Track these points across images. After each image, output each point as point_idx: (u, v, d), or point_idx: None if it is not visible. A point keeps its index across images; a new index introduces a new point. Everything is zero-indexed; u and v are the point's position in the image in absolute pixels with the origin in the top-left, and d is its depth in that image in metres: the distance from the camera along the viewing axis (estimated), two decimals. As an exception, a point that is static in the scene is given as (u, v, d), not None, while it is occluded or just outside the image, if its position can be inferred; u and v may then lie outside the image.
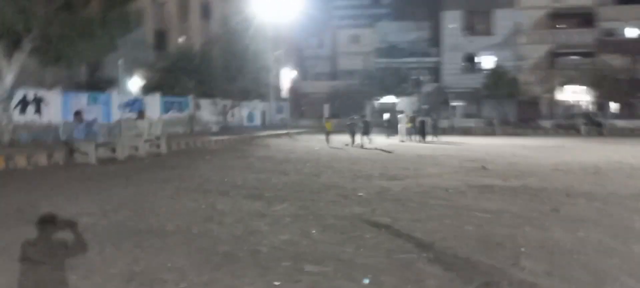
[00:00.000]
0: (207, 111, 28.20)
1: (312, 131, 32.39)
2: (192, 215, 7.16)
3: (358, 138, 22.04)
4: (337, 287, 4.35)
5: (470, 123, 37.77)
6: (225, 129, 28.52)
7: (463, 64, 42.88)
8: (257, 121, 34.62)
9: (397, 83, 40.59)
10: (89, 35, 14.22)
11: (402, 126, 26.87)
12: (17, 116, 15.83)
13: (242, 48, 27.90)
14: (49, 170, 11.95)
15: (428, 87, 42.58)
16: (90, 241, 5.64)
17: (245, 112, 32.58)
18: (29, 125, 16.38)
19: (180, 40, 32.10)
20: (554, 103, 40.46)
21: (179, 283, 4.36)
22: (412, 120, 27.42)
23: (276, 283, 4.40)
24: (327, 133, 22.66)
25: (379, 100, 42.50)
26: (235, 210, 7.58)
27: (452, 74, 42.52)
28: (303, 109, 46.37)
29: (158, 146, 16.07)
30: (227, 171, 12.36)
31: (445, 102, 41.41)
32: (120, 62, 23.61)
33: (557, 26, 41.54)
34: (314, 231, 6.29)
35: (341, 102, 41.09)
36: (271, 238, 5.95)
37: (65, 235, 5.83)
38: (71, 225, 6.11)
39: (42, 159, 12.69)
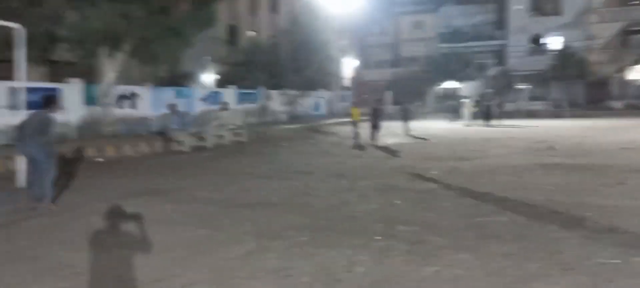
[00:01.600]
0: (276, 101, 29.64)
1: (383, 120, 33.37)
2: (289, 191, 8.32)
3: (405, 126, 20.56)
4: (427, 240, 5.32)
5: (537, 106, 37.25)
6: (293, 118, 29.87)
7: (529, 45, 42.15)
8: (323, 110, 35.79)
9: (461, 68, 40.55)
10: (179, 34, 15.80)
11: (467, 111, 27.23)
12: (115, 110, 17.69)
13: (309, 39, 29.13)
14: (151, 157, 13.54)
15: (493, 71, 42.23)
16: (215, 209, 6.90)
17: (311, 101, 33.82)
18: (126, 118, 18.23)
19: (250, 34, 33.73)
20: (625, 83, 39.09)
21: (298, 238, 5.48)
22: (476, 104, 27.68)
23: (377, 237, 5.43)
24: (354, 124, 17.25)
25: (441, 85, 42.61)
26: (325, 186, 8.67)
27: (517, 56, 41.92)
28: (365, 96, 47.17)
29: (240, 135, 17.50)
30: (305, 156, 13.52)
31: (511, 86, 40.95)
32: (204, 58, 25.39)
33: (630, 3, 39.97)
34: (397, 201, 7.28)
35: (403, 89, 41.54)
36: (362, 207, 7.00)
37: (194, 206, 7.14)
38: (194, 198, 7.42)
39: (144, 148, 14.36)
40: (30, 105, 9.21)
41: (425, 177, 9.46)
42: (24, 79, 9.05)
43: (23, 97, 9.17)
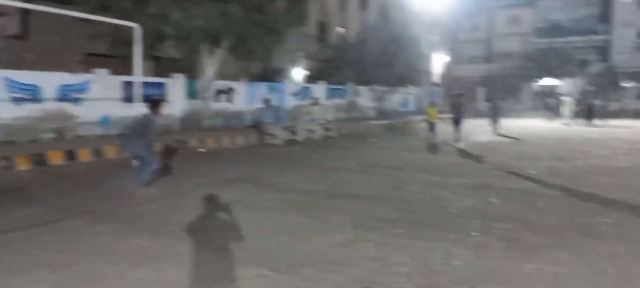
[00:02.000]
0: (364, 97, 29.81)
1: (466, 116, 32.48)
2: (381, 185, 8.47)
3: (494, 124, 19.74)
4: (526, 238, 5.27)
5: (645, 105, 34.47)
6: (381, 114, 29.90)
7: (636, 40, 39.06)
8: (411, 106, 35.47)
9: (560, 64, 38.40)
10: (273, 32, 16.43)
11: (566, 109, 25.85)
12: (213, 104, 18.73)
13: (398, 35, 29.01)
14: (248, 149, 14.22)
15: (595, 67, 39.58)
16: (312, 200, 7.21)
17: (400, 97, 33.63)
18: (222, 111, 19.23)
19: (340, 31, 34.13)
20: None
21: (395, 230, 5.63)
22: (577, 103, 26.19)
23: (474, 233, 5.45)
24: (431, 124, 16.83)
25: (538, 82, 40.61)
26: (417, 181, 8.73)
27: (623, 52, 38.99)
28: (455, 93, 46.06)
29: (329, 129, 17.87)
30: (394, 151, 13.57)
31: (615, 83, 38.18)
32: (296, 54, 26.11)
33: None
34: (493, 199, 7.20)
35: (496, 86, 40.08)
36: (457, 203, 7.00)
37: (292, 196, 7.50)
38: (291, 188, 7.78)
39: (240, 140, 15.12)
40: (144, 99, 10.12)
41: (522, 176, 9.21)
42: (140, 74, 9.85)
43: (138, 91, 9.98)
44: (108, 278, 4.14)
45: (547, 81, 39.90)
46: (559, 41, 40.13)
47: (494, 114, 20.14)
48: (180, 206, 6.77)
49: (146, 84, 14.56)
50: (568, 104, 26.07)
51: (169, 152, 12.20)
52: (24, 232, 5.46)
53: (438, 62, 43.15)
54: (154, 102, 7.91)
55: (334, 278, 4.16)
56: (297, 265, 4.47)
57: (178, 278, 4.18)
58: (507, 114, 23.15)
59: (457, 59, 46.34)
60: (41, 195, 7.47)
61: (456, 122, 16.52)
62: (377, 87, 30.01)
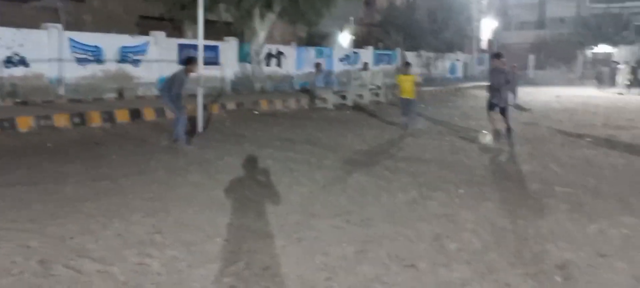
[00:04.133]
0: (412, 63, 29.58)
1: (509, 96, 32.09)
2: (438, 149, 8.64)
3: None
4: (588, 202, 5.39)
5: None
6: (428, 80, 29.62)
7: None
8: (459, 73, 34.94)
9: (617, 30, 36.81)
10: (326, -5, 16.60)
11: (621, 78, 24.98)
12: (264, 68, 19.09)
13: (447, 0, 28.51)
14: (300, 113, 14.53)
15: (655, 34, 37.75)
16: (373, 160, 7.48)
17: (447, 64, 33.17)
18: (272, 75, 19.57)
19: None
20: None
21: (457, 190, 5.85)
22: (633, 71, 25.24)
23: (535, 196, 5.61)
24: (404, 102, 11.21)
25: (592, 50, 39.13)
26: (473, 147, 8.85)
27: (687, 18, 37.01)
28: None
29: (378, 95, 17.97)
30: (445, 117, 13.62)
31: (676, 51, 36.39)
32: (344, 18, 26.09)
33: None
34: (552, 165, 7.29)
35: (547, 53, 38.91)
36: (515, 168, 7.14)
37: (352, 157, 7.80)
38: (350, 149, 8.07)
39: (292, 104, 15.45)
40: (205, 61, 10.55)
41: (579, 144, 9.19)
42: (201, 37, 10.21)
43: (195, 54, 10.33)
44: (200, 224, 4.55)
45: (601, 48, 38.40)
46: (616, 6, 38.35)
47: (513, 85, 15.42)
48: (248, 164, 7.16)
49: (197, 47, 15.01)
50: (623, 73, 25.17)
51: (227, 113, 12.67)
52: (114, 182, 5.96)
53: (486, 28, 42.08)
54: (187, 61, 8.30)
55: (405, 232, 4.44)
56: (368, 219, 4.77)
57: (260, 226, 4.54)
58: (555, 82, 22.48)
59: (506, 25, 45.06)
60: (117, 149, 8.01)
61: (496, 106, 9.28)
62: (425, 53, 29.71)
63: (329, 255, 3.87)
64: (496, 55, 9.88)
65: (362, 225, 4.60)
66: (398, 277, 3.51)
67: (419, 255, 3.91)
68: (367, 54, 25.33)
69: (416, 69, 29.79)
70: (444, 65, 32.19)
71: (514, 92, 15.06)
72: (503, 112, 9.07)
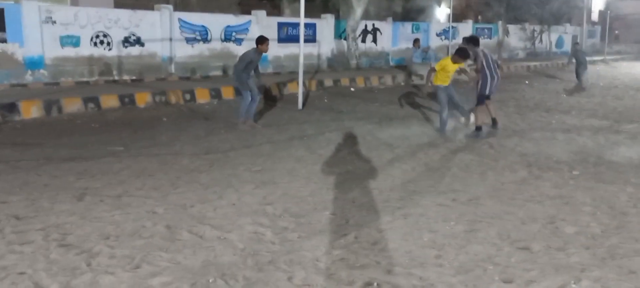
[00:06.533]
0: (515, 37, 28.05)
1: (630, 57, 29.41)
2: (547, 127, 8.22)
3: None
4: None
5: None
6: (532, 54, 28.01)
7: None
8: (566, 47, 32.65)
9: None
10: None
11: None
12: (359, 44, 19.05)
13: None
14: (395, 89, 14.36)
15: None
16: (479, 138, 7.26)
17: (554, 37, 31.10)
18: (367, 52, 19.49)
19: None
20: None
21: (571, 171, 5.53)
22: None
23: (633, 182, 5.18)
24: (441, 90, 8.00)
25: None
26: (587, 125, 8.31)
27: None
28: (617, 32, 41.31)
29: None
30: (553, 94, 12.83)
31: None
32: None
33: None
34: (679, 147, 6.66)
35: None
36: (635, 148, 6.60)
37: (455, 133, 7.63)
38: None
39: (388, 80, 15.32)
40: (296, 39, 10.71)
41: None
42: (302, 16, 10.33)
43: (300, 32, 10.48)
44: (306, 197, 4.70)
45: None
46: None
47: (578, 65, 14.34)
48: (348, 140, 7.25)
49: (298, 25, 15.26)
50: None
51: (324, 91, 12.86)
52: (224, 154, 6.30)
53: (599, -3, 38.89)
54: (259, 40, 8.17)
55: (516, 212, 4.29)
56: (475, 198, 4.66)
57: (365, 201, 4.60)
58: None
59: (622, -7, 41.21)
60: (224, 124, 8.42)
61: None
62: (529, 26, 28.05)
63: (436, 232, 3.84)
64: (471, 40, 8.51)
65: (468, 204, 4.51)
66: (511, 258, 3.41)
67: (532, 236, 3.77)
68: (466, 28, 24.38)
69: (519, 43, 28.31)
70: (550, 38, 30.22)
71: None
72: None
